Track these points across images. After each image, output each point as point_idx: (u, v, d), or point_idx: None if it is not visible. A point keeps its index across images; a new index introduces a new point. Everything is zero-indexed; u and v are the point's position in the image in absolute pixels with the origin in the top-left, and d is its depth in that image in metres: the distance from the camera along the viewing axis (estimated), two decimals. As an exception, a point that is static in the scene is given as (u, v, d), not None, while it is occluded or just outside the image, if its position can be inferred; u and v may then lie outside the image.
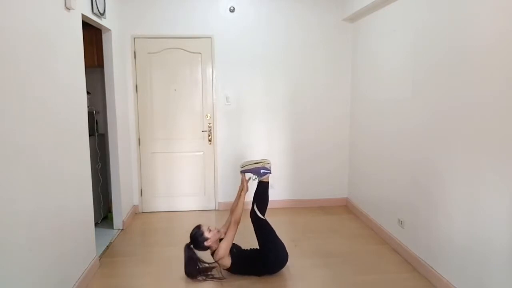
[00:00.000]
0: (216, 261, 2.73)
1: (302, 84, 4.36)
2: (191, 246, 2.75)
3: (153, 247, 3.37)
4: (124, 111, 4.00)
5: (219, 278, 2.73)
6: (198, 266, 2.74)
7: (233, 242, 2.77)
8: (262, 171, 2.89)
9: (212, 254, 2.74)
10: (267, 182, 2.95)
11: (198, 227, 2.75)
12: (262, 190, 2.92)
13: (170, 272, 2.84)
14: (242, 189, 2.95)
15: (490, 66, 2.14)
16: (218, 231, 2.78)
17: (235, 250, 2.77)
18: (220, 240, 2.76)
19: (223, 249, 2.67)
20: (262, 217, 2.83)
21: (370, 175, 3.89)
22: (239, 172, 3.04)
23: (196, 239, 2.71)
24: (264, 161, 2.96)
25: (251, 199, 2.91)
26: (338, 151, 4.53)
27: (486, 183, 2.19)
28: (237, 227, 2.76)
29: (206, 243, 2.69)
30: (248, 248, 2.91)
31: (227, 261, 2.71)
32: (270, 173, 2.94)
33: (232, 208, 3.02)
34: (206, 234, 2.70)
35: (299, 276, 2.82)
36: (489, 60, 2.14)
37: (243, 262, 2.78)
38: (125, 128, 4.04)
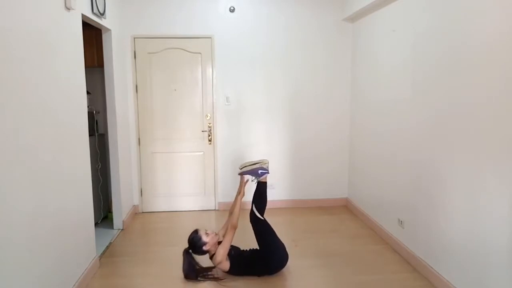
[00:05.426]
0: (215, 265, 2.72)
1: (302, 84, 4.36)
2: (190, 251, 2.75)
3: (153, 247, 3.38)
4: (124, 111, 4.00)
5: (218, 278, 2.73)
6: (196, 269, 2.74)
7: (232, 244, 2.76)
8: (259, 171, 2.89)
9: (211, 257, 2.74)
10: (265, 183, 2.95)
11: (196, 232, 2.73)
12: (261, 191, 2.92)
13: (170, 272, 2.83)
14: (239, 192, 2.96)
15: (490, 66, 2.14)
16: (216, 234, 2.77)
17: (233, 253, 2.76)
18: (219, 243, 2.75)
19: (221, 254, 2.66)
20: (261, 217, 2.83)
21: (370, 175, 3.89)
22: (239, 175, 3.04)
23: (195, 244, 2.70)
24: (262, 161, 2.96)
25: (250, 200, 2.91)
26: (338, 151, 4.53)
27: (486, 183, 2.19)
28: (235, 231, 2.75)
29: (204, 248, 2.68)
30: (248, 249, 2.90)
31: (226, 265, 2.71)
32: (267, 173, 2.93)
33: (231, 210, 3.02)
34: (204, 239, 2.68)
35: (299, 276, 2.82)
36: (489, 60, 2.14)
37: (242, 263, 2.78)
38: (125, 128, 4.04)
